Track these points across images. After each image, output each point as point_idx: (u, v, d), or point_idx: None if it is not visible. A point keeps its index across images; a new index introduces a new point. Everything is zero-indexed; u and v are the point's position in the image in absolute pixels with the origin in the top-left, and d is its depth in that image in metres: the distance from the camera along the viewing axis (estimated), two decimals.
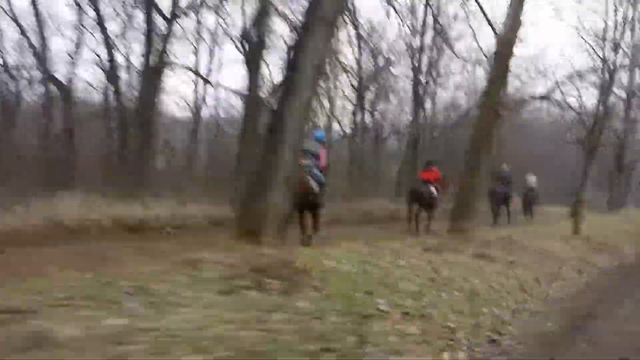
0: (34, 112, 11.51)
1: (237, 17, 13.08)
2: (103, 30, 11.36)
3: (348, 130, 18.33)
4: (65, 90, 11.03)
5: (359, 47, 16.36)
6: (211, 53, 14.53)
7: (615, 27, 14.75)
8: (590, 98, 15.56)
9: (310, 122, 4.39)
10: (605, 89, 13.21)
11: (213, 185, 11.71)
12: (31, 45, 10.75)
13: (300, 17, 9.17)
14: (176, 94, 16.82)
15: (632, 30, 15.59)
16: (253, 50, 11.57)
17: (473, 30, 11.07)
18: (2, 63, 11.48)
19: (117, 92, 11.63)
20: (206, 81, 14.29)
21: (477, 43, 10.82)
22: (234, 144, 12.89)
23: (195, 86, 14.85)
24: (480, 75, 17.88)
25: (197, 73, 14.06)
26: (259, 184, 3.94)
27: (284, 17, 12.27)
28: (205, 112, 15.51)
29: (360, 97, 17.24)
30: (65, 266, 4.44)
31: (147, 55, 11.32)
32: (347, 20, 14.21)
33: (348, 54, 16.31)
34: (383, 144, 19.65)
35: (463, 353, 2.93)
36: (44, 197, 6.91)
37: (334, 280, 3.45)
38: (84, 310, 2.33)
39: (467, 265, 4.85)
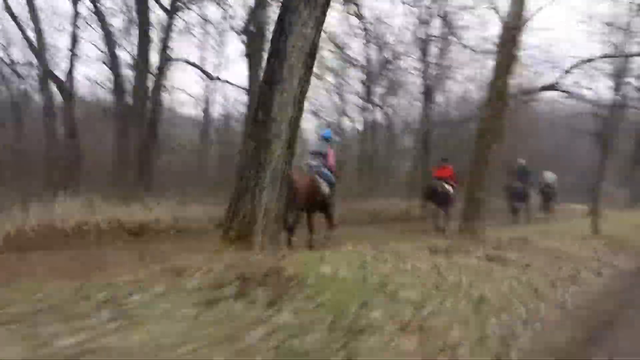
0: (36, 111, 11.46)
1: (240, 9, 12.80)
2: (104, 26, 11.25)
3: (358, 127, 18.07)
4: (66, 89, 10.92)
5: (366, 39, 15.99)
6: (218, 48, 14.41)
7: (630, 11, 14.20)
8: (604, 90, 15.01)
9: (302, 112, 4.05)
10: (618, 77, 12.66)
11: (221, 185, 11.51)
12: (29, 42, 10.65)
13: None
14: (185, 91, 16.67)
15: None
16: (253, 42, 11.28)
17: (482, 20, 10.69)
18: (9, 61, 11.52)
19: (118, 89, 11.50)
20: (208, 75, 14.10)
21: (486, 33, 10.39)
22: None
23: (205, 83, 14.79)
24: (491, 67, 17.32)
25: (199, 67, 13.87)
26: (246, 183, 3.68)
27: None
28: (215, 110, 15.40)
29: (369, 92, 16.90)
30: (53, 272, 4.31)
31: (140, 49, 11.09)
32: (352, 11, 13.90)
33: (355, 47, 16.00)
34: (394, 141, 19.28)
35: None
36: (44, 200, 6.79)
37: (328, 288, 3.20)
38: (41, 327, 2.13)
39: (476, 269, 4.55)
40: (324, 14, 4.18)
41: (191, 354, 1.95)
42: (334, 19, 13.15)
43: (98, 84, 12.52)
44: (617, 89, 12.50)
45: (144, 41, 11.13)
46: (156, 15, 11.78)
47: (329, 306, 2.83)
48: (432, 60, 17.09)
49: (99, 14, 11.12)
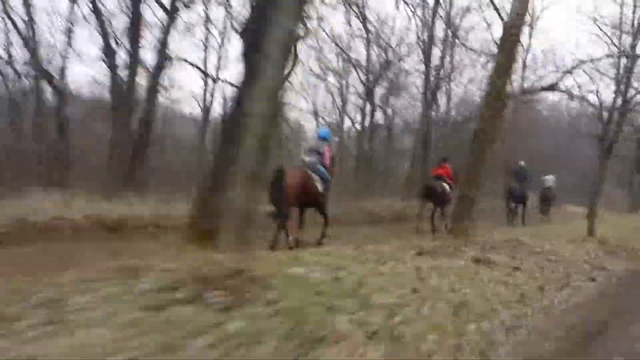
0: (29, 108, 11.28)
1: (242, 9, 12.64)
2: (101, 24, 11.06)
3: (358, 127, 17.88)
4: (58, 86, 10.75)
5: (367, 40, 15.86)
6: (219, 48, 14.27)
7: (634, 11, 13.92)
8: (608, 93, 14.77)
9: (281, 107, 3.83)
10: (622, 80, 12.40)
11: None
12: (23, 39, 10.49)
13: None
14: (186, 90, 16.61)
15: None
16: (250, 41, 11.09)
17: (486, 21, 10.46)
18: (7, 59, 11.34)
19: (115, 88, 11.32)
20: (206, 75, 13.97)
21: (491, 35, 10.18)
22: None
23: (205, 83, 14.63)
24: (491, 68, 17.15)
25: (197, 67, 13.73)
26: (216, 179, 3.47)
27: None
28: (214, 109, 15.28)
29: (370, 93, 16.71)
30: (12, 270, 4.09)
31: (132, 46, 10.91)
32: (355, 13, 13.75)
33: (357, 48, 15.88)
34: (394, 141, 19.08)
35: None
36: (21, 196, 6.60)
37: (295, 291, 2.99)
38: None
39: (461, 272, 4.33)
40: (304, 2, 3.97)
41: None
42: (337, 20, 13.06)
43: (97, 82, 12.36)
44: (619, 91, 12.25)
45: (138, 40, 10.94)
46: (156, 15, 11.60)
47: (291, 311, 2.61)
48: (435, 62, 16.91)
49: (97, 12, 10.92)
